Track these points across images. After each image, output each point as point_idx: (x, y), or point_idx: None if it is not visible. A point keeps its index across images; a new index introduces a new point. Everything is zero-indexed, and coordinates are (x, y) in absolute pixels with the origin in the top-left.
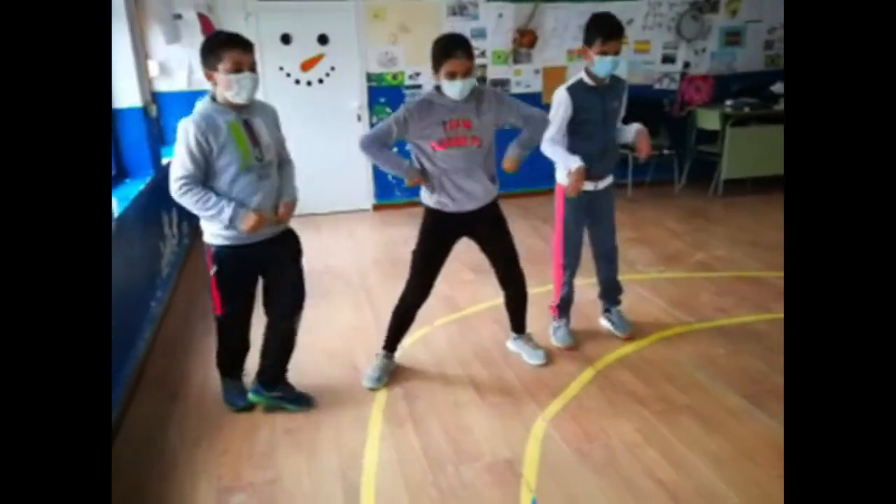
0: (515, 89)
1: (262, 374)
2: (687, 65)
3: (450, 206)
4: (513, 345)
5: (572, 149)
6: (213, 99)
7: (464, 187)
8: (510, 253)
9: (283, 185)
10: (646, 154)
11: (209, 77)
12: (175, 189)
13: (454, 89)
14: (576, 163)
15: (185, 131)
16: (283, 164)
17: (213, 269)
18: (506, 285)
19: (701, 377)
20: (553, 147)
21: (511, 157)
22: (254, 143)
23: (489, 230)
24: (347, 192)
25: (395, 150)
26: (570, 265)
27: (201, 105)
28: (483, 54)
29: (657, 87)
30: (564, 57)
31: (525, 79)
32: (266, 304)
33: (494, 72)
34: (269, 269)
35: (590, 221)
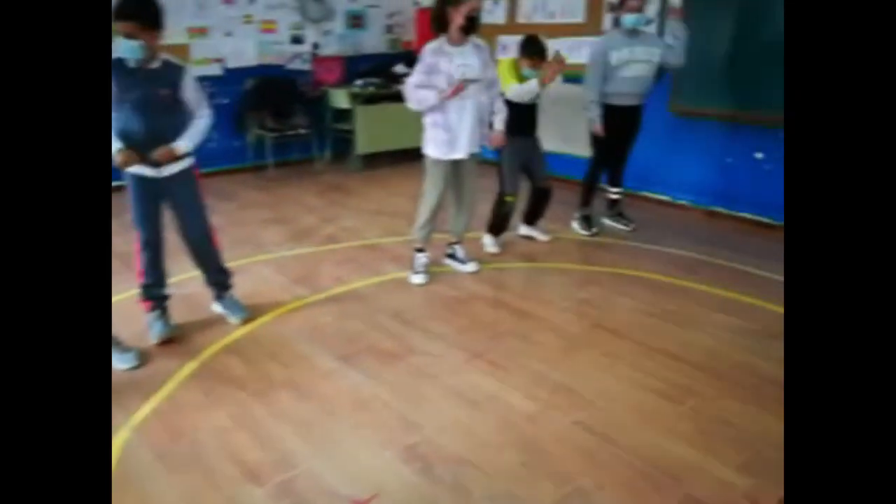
0: None
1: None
2: (316, 45)
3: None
4: None
5: (119, 129)
6: None
7: None
8: None
9: None
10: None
11: None
12: None
13: None
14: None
15: None
16: None
17: None
18: None
19: (304, 348)
20: None
21: None
22: None
23: None
24: None
25: None
26: (149, 247)
27: None
28: None
29: (290, 67)
30: (185, 35)
31: None
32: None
33: None
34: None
35: (169, 208)
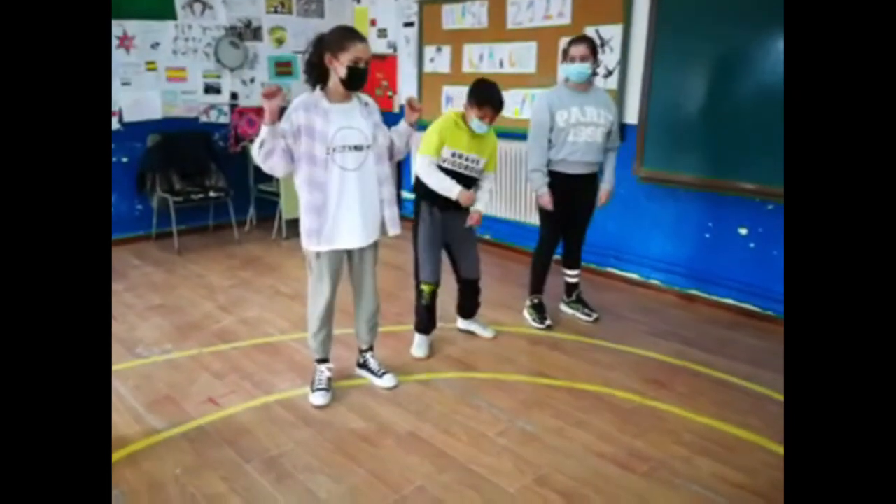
0: None
1: None
2: (235, 96)
3: None
4: None
5: None
6: None
7: None
8: None
9: None
10: None
11: None
12: None
13: None
14: None
15: None
16: None
17: None
18: None
19: None
20: None
21: None
22: None
23: None
24: None
25: None
26: None
27: None
28: None
29: (204, 119)
30: None
31: None
32: None
33: None
34: None
35: None
